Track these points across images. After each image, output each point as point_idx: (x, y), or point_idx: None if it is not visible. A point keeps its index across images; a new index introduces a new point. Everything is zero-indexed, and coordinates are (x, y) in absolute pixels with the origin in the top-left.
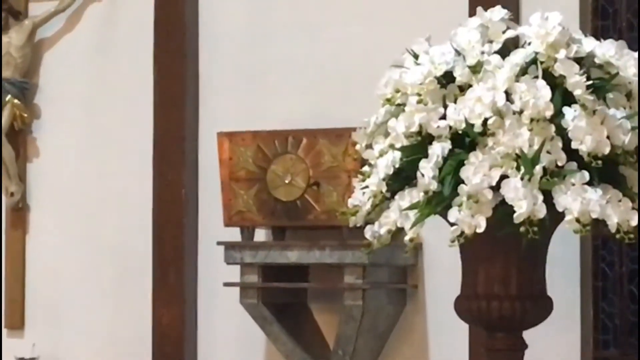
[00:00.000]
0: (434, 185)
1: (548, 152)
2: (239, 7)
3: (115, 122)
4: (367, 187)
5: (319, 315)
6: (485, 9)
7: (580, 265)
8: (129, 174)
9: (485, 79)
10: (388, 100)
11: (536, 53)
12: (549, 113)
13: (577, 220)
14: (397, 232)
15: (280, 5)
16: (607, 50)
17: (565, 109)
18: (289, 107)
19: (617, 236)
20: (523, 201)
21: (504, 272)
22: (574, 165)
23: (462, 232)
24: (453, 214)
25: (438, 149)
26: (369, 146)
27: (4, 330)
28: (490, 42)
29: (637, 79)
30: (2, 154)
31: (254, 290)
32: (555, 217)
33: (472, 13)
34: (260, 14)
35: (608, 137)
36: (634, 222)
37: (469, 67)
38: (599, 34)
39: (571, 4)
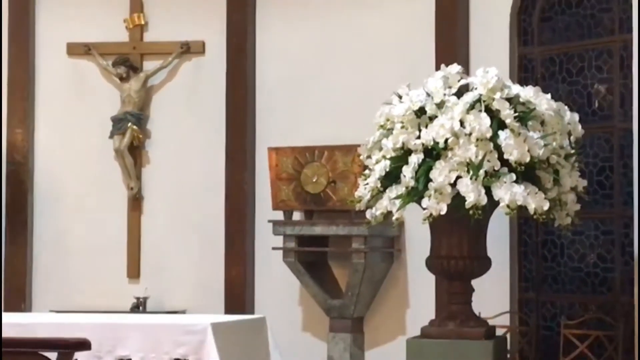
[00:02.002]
0: (412, 183)
1: (488, 161)
2: (281, 69)
3: (200, 141)
4: (367, 184)
5: (335, 269)
6: (447, 65)
7: (509, 236)
8: (209, 176)
9: (446, 112)
10: (381, 126)
11: (480, 95)
12: (488, 135)
13: (508, 206)
14: (388, 214)
15: (310, 65)
16: (527, 93)
17: (500, 132)
18: (316, 130)
19: (534, 216)
20: (471, 193)
21: (459, 240)
22: (505, 169)
23: (431, 214)
24: (425, 202)
25: (415, 159)
26: (369, 157)
27: (126, 279)
28: (450, 87)
29: (548, 112)
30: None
31: (292, 252)
32: (493, 204)
33: (437, 68)
34: (298, 70)
35: (529, 151)
36: (546, 207)
37: (436, 104)
38: (523, 82)
39: (503, 62)
